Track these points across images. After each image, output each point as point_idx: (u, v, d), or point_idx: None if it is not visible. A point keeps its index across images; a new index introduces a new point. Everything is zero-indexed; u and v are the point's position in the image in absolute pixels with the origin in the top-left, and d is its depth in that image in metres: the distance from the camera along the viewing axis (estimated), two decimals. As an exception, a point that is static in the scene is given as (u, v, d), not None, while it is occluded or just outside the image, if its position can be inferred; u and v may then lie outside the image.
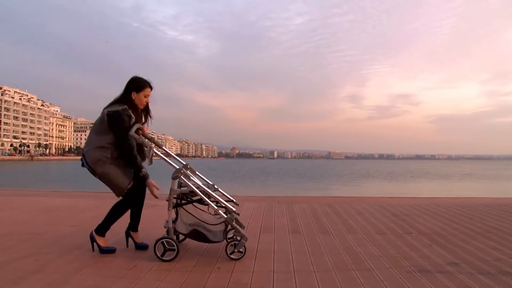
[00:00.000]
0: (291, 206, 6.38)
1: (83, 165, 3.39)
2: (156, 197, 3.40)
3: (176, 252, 3.21)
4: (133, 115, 3.36)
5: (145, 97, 3.44)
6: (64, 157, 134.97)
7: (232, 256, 3.27)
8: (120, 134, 3.27)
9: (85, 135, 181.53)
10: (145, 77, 3.48)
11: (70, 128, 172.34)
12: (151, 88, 3.48)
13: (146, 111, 3.58)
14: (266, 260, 3.29)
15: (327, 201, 7.33)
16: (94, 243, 3.44)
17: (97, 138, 3.34)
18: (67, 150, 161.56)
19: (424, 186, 27.26)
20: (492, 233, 4.45)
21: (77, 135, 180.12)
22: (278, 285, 2.69)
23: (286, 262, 3.22)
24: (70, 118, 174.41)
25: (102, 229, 3.45)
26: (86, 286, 2.63)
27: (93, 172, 3.35)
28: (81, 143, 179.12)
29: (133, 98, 3.40)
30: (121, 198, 3.43)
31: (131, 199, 3.45)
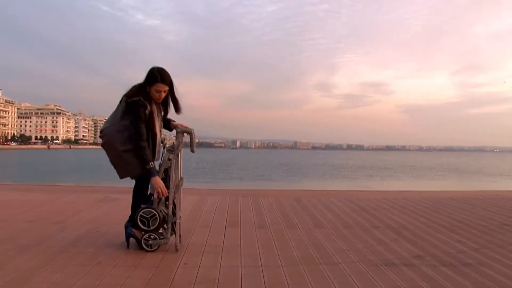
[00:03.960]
0: (257, 200, 6.54)
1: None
2: (160, 195, 3.40)
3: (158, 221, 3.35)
4: (149, 106, 3.38)
5: (156, 92, 3.41)
6: (6, 146, 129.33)
7: (147, 248, 3.40)
8: (132, 123, 3.34)
9: (30, 121, 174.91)
10: (163, 67, 3.46)
11: (13, 114, 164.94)
12: (164, 83, 3.41)
13: (166, 105, 3.61)
14: (233, 255, 3.43)
15: (294, 195, 7.55)
16: (131, 239, 3.51)
17: (121, 122, 3.41)
18: (9, 138, 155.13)
19: (393, 180, 28.15)
20: (457, 226, 4.78)
21: (21, 121, 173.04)
22: (246, 280, 2.84)
23: (253, 257, 3.38)
24: (13, 103, 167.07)
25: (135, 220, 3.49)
26: (50, 283, 2.67)
27: (107, 153, 3.46)
28: (25, 130, 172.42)
29: (148, 90, 3.42)
30: (135, 183, 3.55)
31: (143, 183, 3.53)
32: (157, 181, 3.35)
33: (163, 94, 3.46)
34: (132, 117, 3.35)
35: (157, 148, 3.50)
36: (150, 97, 3.43)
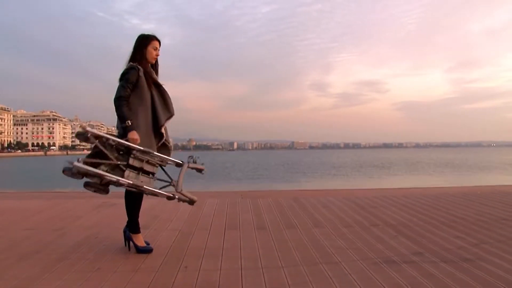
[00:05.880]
0: (255, 201, 6.54)
1: None
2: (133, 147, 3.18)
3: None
4: (141, 68, 3.37)
5: (154, 49, 3.49)
6: (9, 154, 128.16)
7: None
8: (119, 81, 3.32)
9: (27, 128, 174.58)
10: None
11: (9, 121, 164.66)
12: (158, 41, 3.51)
13: (155, 66, 3.62)
14: (233, 257, 3.43)
15: (293, 195, 7.55)
16: (130, 242, 3.52)
17: None
18: (6, 145, 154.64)
19: (391, 177, 28.25)
20: (456, 222, 4.79)
21: (17, 128, 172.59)
22: (247, 281, 2.84)
23: (253, 259, 3.38)
24: (8, 110, 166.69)
25: (132, 225, 3.50)
26: (50, 291, 2.68)
27: None
28: (22, 138, 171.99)
29: (143, 55, 3.45)
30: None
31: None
32: (133, 134, 3.17)
33: (158, 53, 3.54)
34: (123, 78, 3.32)
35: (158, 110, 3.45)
36: (142, 62, 3.43)
